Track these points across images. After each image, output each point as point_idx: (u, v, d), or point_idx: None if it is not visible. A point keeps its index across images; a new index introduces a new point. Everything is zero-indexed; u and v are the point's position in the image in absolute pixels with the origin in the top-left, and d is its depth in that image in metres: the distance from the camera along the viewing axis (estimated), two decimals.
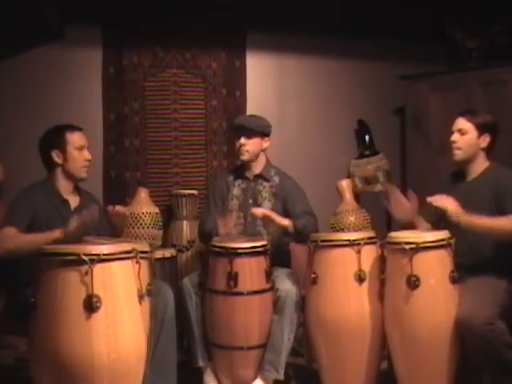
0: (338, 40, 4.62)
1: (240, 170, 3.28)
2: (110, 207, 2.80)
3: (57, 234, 2.45)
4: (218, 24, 4.38)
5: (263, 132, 3.18)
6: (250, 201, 3.18)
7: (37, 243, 2.32)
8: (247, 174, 3.23)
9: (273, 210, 3.09)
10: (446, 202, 2.64)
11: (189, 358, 2.96)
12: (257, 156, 3.20)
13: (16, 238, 2.49)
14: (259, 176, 3.22)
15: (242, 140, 3.15)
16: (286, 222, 3.01)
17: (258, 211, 3.03)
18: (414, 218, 2.86)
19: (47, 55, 4.05)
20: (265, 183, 3.20)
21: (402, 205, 2.83)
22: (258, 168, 3.22)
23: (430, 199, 2.69)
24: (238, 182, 3.24)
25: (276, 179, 3.20)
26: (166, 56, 4.36)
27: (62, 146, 2.68)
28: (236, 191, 3.22)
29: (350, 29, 4.57)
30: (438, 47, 4.79)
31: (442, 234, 2.57)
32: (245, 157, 3.17)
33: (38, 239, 2.41)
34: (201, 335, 2.89)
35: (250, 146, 3.15)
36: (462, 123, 2.82)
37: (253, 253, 2.79)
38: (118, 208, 2.80)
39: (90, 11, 4.06)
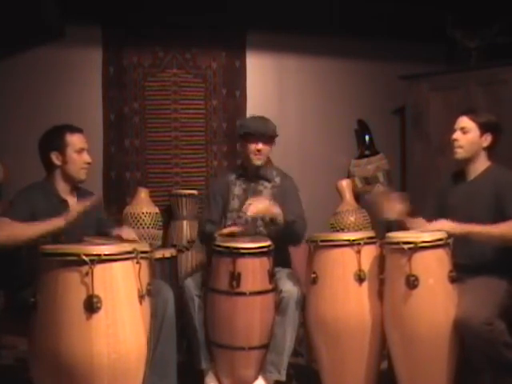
0: (338, 40, 4.62)
1: (241, 169, 3.26)
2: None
3: (59, 222, 2.43)
4: (217, 24, 4.38)
5: (276, 135, 3.19)
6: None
7: (37, 232, 2.35)
8: (249, 174, 3.22)
9: None
10: (439, 227, 2.61)
11: (190, 360, 2.96)
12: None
13: (12, 226, 2.41)
14: (261, 176, 3.20)
15: (260, 146, 3.10)
16: (277, 210, 2.95)
17: (249, 212, 2.94)
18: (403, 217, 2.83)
19: (47, 55, 4.06)
20: (266, 183, 3.19)
21: (393, 203, 2.82)
22: (259, 168, 3.19)
23: (423, 230, 2.67)
24: (240, 181, 3.22)
25: (277, 180, 3.20)
26: (166, 56, 4.36)
27: (61, 148, 2.65)
28: (237, 191, 3.20)
29: (350, 29, 4.57)
30: (438, 47, 4.80)
31: (440, 234, 2.56)
32: (260, 161, 3.14)
33: (39, 228, 2.40)
34: (204, 338, 2.89)
35: (267, 150, 3.14)
36: (464, 122, 2.80)
37: (256, 253, 2.79)
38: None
39: (90, 11, 4.06)
